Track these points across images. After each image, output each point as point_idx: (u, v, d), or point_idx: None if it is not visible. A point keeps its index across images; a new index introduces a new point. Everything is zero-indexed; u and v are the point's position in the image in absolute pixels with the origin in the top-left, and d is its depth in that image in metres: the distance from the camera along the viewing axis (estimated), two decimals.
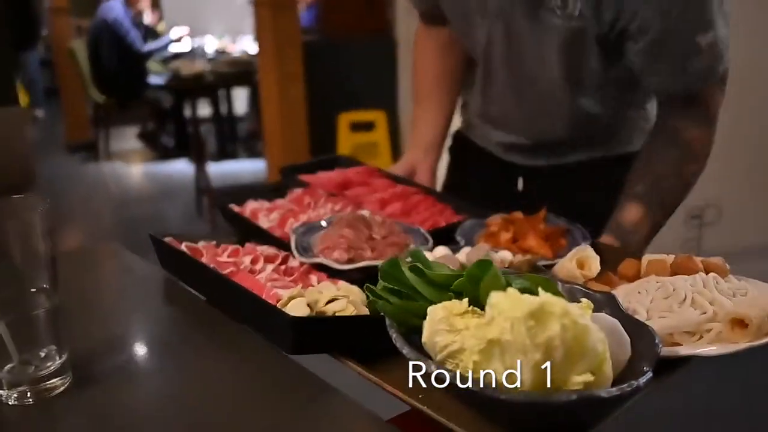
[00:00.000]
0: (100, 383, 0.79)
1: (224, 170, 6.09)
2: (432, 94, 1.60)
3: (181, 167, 6.33)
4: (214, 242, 1.12)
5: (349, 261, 1.08)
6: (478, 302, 0.72)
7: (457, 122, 1.71)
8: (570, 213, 1.27)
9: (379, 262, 1.07)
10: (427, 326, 0.72)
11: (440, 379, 0.69)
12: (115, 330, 0.95)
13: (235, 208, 1.30)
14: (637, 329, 0.78)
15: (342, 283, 0.99)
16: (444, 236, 1.21)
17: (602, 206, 1.34)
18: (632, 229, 1.27)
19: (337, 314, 0.86)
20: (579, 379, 0.64)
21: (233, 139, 6.98)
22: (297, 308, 0.88)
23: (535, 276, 0.77)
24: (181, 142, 6.63)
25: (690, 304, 0.85)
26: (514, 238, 1.22)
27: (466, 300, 0.69)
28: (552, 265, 1.05)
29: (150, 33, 7.08)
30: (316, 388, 0.80)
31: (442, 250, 1.07)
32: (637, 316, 0.85)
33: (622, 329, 0.77)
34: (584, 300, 0.74)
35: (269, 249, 1.12)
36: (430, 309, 0.72)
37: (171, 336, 0.95)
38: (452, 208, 1.36)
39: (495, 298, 0.64)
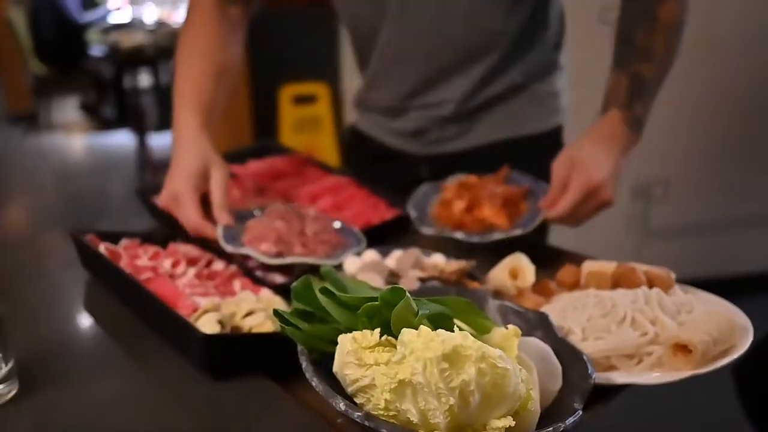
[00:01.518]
0: (47, 389, 0.76)
1: (166, 142, 5.88)
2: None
3: (123, 138, 6.09)
4: (138, 239, 1.03)
5: (278, 255, 0.99)
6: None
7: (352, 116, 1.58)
8: None
9: (308, 259, 0.99)
10: (337, 357, 0.64)
11: (347, 418, 0.61)
12: (60, 333, 0.90)
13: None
14: (570, 355, 0.72)
15: (264, 293, 0.90)
16: (376, 235, 1.13)
17: None
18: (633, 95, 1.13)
19: (253, 330, 0.77)
20: (499, 424, 0.57)
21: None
22: (208, 324, 0.79)
23: (457, 300, 0.69)
24: (122, 112, 6.38)
25: (630, 324, 0.79)
26: (469, 205, 1.15)
27: (377, 331, 0.61)
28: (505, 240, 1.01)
29: (89, 2, 6.77)
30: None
31: (370, 255, 0.98)
32: (571, 337, 0.79)
33: (554, 357, 0.70)
34: (511, 327, 0.66)
35: (193, 250, 1.03)
36: (339, 339, 0.63)
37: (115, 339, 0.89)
38: (386, 202, 1.27)
39: (407, 335, 0.56)
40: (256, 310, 0.80)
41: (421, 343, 0.54)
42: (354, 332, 0.62)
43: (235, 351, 0.78)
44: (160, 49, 5.15)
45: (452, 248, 1.09)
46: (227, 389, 0.75)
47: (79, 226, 1.03)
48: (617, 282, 0.90)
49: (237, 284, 0.94)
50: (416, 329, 0.56)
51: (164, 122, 6.34)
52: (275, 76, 3.40)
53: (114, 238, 1.03)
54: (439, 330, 0.55)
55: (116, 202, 4.78)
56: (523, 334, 0.74)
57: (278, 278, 0.98)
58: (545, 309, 0.86)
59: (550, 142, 1.37)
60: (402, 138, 1.40)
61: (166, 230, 1.12)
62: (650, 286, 0.88)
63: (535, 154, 1.26)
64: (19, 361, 0.75)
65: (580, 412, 0.63)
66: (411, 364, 0.55)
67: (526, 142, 1.35)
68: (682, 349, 0.74)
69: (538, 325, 0.77)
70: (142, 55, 5.25)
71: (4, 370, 0.74)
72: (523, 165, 1.24)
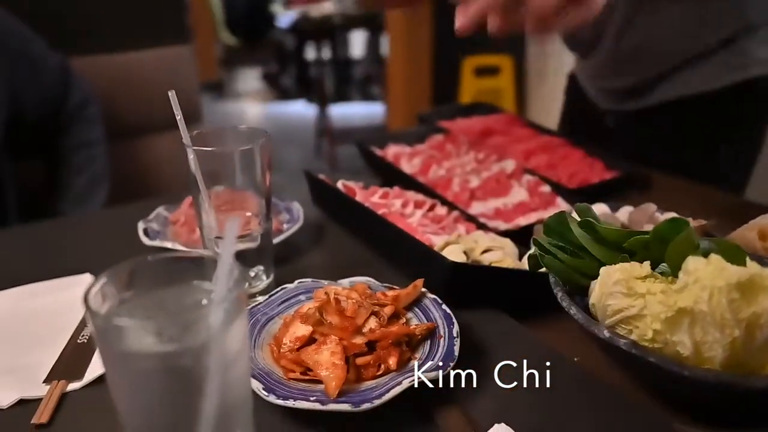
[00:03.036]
0: None
1: (341, 113, 6.13)
2: None
3: (300, 108, 6.42)
4: (361, 183, 1.10)
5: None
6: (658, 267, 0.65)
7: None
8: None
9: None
10: (598, 288, 0.66)
11: (611, 346, 0.63)
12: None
13: (377, 151, 1.27)
14: None
15: (494, 235, 0.94)
16: (593, 195, 1.13)
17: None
18: None
19: (493, 264, 0.81)
20: None
21: (349, 82, 7.01)
22: (454, 254, 0.84)
23: (725, 242, 0.69)
24: (301, 84, 6.72)
25: None
26: None
27: (647, 263, 0.62)
28: None
29: None
30: None
31: (600, 208, 0.99)
32: None
33: None
34: None
35: (416, 195, 1.09)
36: (603, 270, 0.65)
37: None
38: (603, 163, 1.27)
39: (693, 263, 0.57)
40: (493, 248, 0.83)
41: (710, 271, 0.55)
42: (621, 263, 0.64)
43: (479, 281, 0.82)
44: (346, 19, 5.34)
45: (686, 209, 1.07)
46: (467, 317, 0.80)
47: None
48: None
49: (462, 228, 0.98)
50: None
51: (341, 94, 6.61)
52: (459, 47, 3.44)
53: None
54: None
55: (293, 169, 5.08)
56: None
57: (501, 224, 1.01)
58: None
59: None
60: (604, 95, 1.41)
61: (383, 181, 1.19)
62: None
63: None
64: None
65: None
66: (695, 292, 0.56)
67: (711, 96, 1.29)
68: None
69: None
70: (328, 25, 5.47)
71: (265, 282, 0.82)
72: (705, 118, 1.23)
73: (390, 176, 1.17)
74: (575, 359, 0.75)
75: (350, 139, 1.63)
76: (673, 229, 0.62)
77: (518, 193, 1.12)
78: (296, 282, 0.79)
